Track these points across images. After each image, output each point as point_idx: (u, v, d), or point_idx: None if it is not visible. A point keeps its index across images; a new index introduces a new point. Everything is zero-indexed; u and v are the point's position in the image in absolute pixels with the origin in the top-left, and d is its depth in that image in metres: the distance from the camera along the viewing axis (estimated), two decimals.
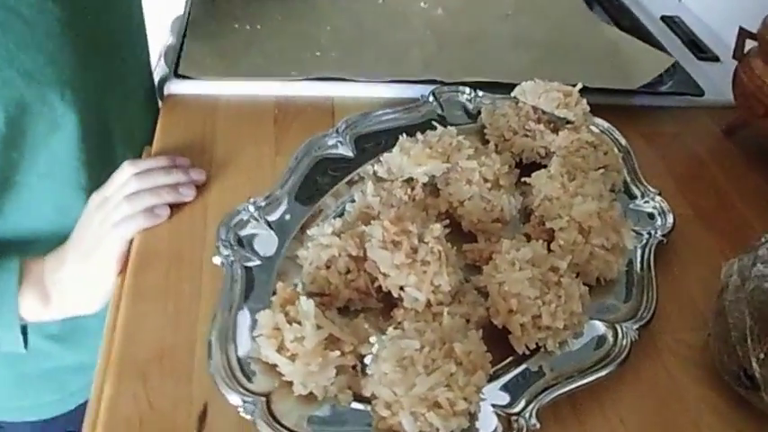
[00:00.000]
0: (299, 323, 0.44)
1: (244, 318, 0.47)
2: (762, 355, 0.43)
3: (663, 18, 0.98)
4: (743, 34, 0.72)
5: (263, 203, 0.54)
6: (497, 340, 0.48)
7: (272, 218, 0.54)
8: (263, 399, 0.42)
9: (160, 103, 0.71)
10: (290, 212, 0.55)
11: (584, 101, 0.64)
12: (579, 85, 0.64)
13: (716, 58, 0.89)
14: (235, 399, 0.42)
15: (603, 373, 0.46)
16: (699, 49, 0.91)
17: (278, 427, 0.41)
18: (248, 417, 0.41)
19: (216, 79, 0.70)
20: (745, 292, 0.46)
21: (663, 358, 0.51)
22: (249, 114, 0.68)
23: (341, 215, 0.56)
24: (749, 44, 0.72)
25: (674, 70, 0.80)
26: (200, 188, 0.58)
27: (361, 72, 0.73)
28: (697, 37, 0.93)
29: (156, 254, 0.53)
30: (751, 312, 0.44)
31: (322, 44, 0.78)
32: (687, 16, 0.99)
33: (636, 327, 0.49)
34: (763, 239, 0.49)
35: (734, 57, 0.73)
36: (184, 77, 0.70)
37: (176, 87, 0.70)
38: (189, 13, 0.80)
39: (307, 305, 0.44)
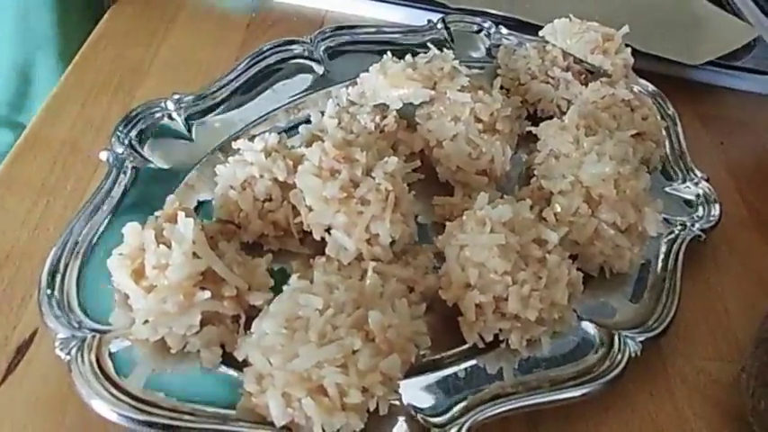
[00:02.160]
0: (169, 246, 0.32)
1: (110, 231, 0.35)
2: None
3: None
4: None
5: (189, 100, 0.42)
6: (450, 324, 0.35)
7: (196, 121, 0.42)
8: (94, 335, 0.30)
9: None
10: (221, 119, 0.43)
11: (629, 50, 0.50)
12: (625, 29, 0.50)
13: None
14: (56, 327, 0.30)
15: (580, 392, 0.33)
16: None
17: (99, 375, 0.29)
18: (62, 355, 0.29)
19: None
20: None
21: (672, 388, 0.37)
22: (219, 16, 0.56)
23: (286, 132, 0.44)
24: None
25: (754, 44, 0.64)
26: (130, 82, 0.47)
27: None
28: None
29: (46, 141, 0.42)
30: None
31: None
32: None
33: (641, 339, 0.36)
34: None
35: None
36: None
37: None
38: None
39: (185, 224, 0.32)
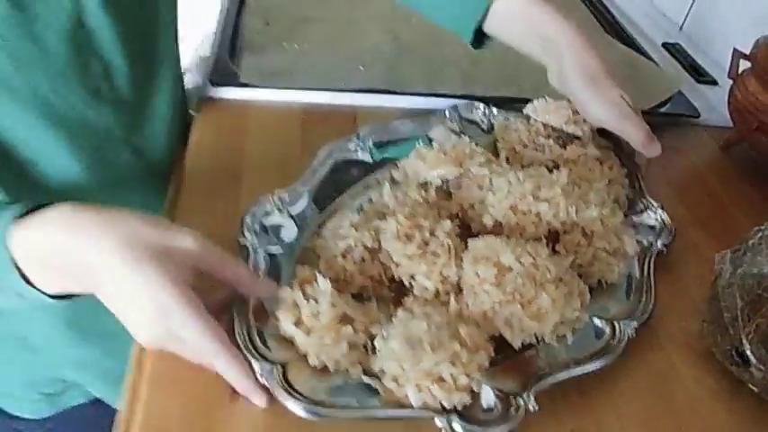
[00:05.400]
0: (316, 300, 0.47)
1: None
2: (751, 333, 0.47)
3: (664, 44, 1.06)
4: (737, 55, 0.78)
5: (286, 197, 0.58)
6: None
7: (294, 211, 0.58)
8: (279, 366, 0.45)
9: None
10: (310, 208, 0.59)
11: None
12: None
13: (714, 82, 0.95)
14: (255, 365, 0.45)
15: (598, 365, 0.49)
16: (698, 74, 0.97)
17: (292, 392, 0.44)
18: (265, 382, 0.44)
19: (257, 86, 0.77)
20: (736, 278, 0.50)
21: (662, 345, 0.55)
22: (279, 120, 0.74)
23: (358, 213, 0.60)
24: (743, 65, 0.78)
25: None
26: (234, 180, 0.64)
27: (398, 86, 0.80)
28: (696, 62, 1.00)
29: None
30: (741, 295, 0.49)
31: (365, 60, 0.86)
32: (687, 43, 1.06)
33: (634, 324, 0.52)
34: (751, 233, 0.53)
35: (729, 76, 0.79)
36: (219, 85, 0.76)
37: (214, 93, 0.77)
38: (232, 31, 0.89)
39: (323, 284, 0.48)
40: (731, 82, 0.79)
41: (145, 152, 0.65)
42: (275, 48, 0.87)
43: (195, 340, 0.43)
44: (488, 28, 0.69)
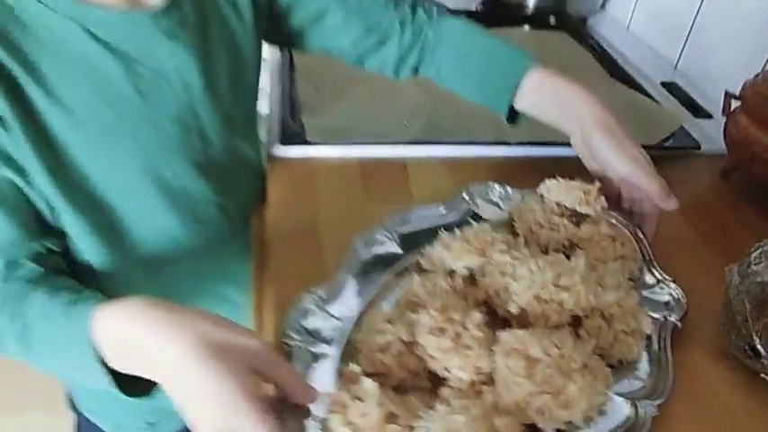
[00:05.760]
0: (362, 399, 0.51)
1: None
2: (759, 331, 0.59)
3: (662, 84, 1.16)
4: (728, 96, 0.89)
5: (324, 296, 0.63)
6: None
7: (332, 307, 0.63)
8: None
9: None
10: (347, 303, 0.64)
11: (602, 198, 0.73)
12: (597, 184, 0.73)
13: (710, 116, 1.06)
14: None
15: None
16: (695, 109, 1.08)
17: None
18: None
19: (320, 144, 0.89)
20: (744, 285, 0.62)
21: (687, 348, 0.64)
22: (342, 172, 0.86)
23: (391, 304, 0.65)
24: (734, 103, 0.88)
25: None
26: (313, 231, 0.74)
27: (438, 136, 0.94)
28: (693, 99, 1.11)
29: None
30: (749, 300, 0.60)
31: (406, 115, 0.98)
32: (682, 81, 1.18)
33: (657, 403, 0.56)
34: (753, 249, 0.64)
35: (722, 114, 0.90)
36: (288, 144, 0.89)
37: (283, 152, 0.89)
38: (289, 94, 1.01)
39: (369, 386, 0.52)
40: (725, 118, 0.89)
41: (230, 210, 0.75)
42: (328, 108, 0.99)
43: None
44: (518, 104, 0.79)
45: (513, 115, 0.81)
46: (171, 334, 0.48)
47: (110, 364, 0.52)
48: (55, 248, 0.65)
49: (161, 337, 0.48)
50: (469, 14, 1.42)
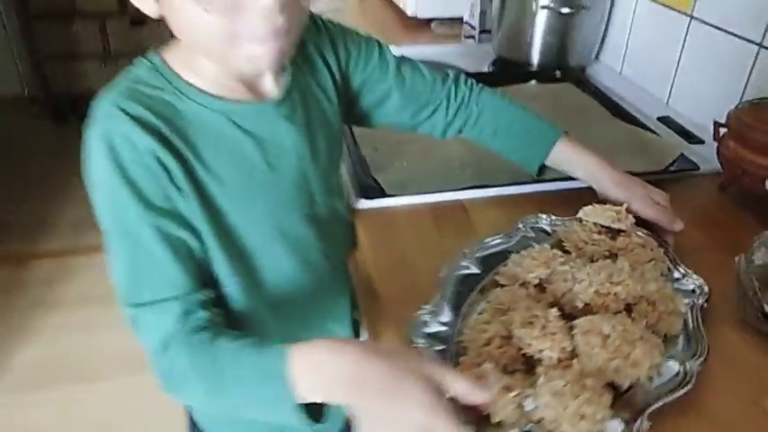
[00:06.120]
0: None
1: None
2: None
3: (658, 118, 1.40)
4: (717, 125, 1.10)
5: (433, 309, 0.82)
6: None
7: (441, 318, 0.82)
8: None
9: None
10: (448, 315, 0.83)
11: (630, 215, 0.93)
12: (625, 205, 0.93)
13: (702, 141, 1.29)
14: None
15: (683, 392, 0.71)
16: (689, 137, 1.31)
17: None
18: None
19: (396, 195, 1.09)
20: (750, 268, 0.81)
21: (717, 323, 0.82)
22: (416, 217, 1.05)
23: (481, 313, 0.84)
24: (722, 130, 1.08)
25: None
26: (404, 271, 0.93)
27: (487, 180, 1.14)
28: (686, 128, 1.34)
29: None
30: (757, 278, 0.79)
31: (456, 164, 1.21)
32: (674, 114, 1.41)
33: (699, 361, 0.74)
34: (754, 241, 0.85)
35: (714, 139, 1.12)
36: (369, 198, 1.09)
37: (365, 204, 1.08)
38: (357, 156, 1.22)
39: (488, 367, 0.70)
40: (716, 143, 1.11)
41: (330, 254, 0.92)
42: (390, 165, 1.20)
43: None
44: (548, 162, 1.02)
45: (540, 170, 1.04)
46: (390, 362, 0.62)
47: (303, 396, 0.62)
48: (214, 297, 0.83)
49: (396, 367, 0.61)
50: (482, 75, 1.65)
